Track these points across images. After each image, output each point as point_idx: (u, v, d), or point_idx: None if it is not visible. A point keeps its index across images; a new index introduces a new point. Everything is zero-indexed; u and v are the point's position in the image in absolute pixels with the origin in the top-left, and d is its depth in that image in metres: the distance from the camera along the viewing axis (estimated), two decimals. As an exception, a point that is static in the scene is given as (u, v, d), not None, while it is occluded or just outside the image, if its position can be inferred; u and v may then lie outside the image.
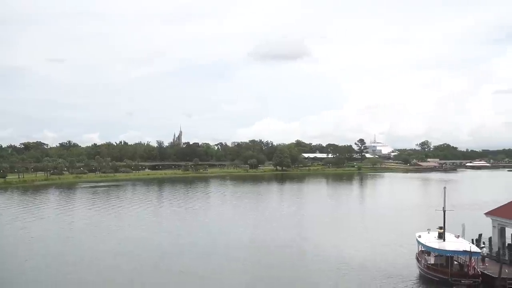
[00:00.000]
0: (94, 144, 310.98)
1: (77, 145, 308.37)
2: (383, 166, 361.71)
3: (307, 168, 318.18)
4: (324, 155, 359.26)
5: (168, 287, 52.19)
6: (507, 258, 54.27)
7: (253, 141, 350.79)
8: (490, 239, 59.82)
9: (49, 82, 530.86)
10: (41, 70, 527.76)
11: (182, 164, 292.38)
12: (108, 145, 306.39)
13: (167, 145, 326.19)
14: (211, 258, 63.79)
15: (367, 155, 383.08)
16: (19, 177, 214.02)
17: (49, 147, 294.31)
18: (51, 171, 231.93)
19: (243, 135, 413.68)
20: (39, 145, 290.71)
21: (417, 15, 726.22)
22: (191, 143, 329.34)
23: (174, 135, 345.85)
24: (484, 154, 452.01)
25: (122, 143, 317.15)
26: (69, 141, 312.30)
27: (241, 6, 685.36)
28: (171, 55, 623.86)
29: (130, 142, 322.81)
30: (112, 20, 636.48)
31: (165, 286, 52.27)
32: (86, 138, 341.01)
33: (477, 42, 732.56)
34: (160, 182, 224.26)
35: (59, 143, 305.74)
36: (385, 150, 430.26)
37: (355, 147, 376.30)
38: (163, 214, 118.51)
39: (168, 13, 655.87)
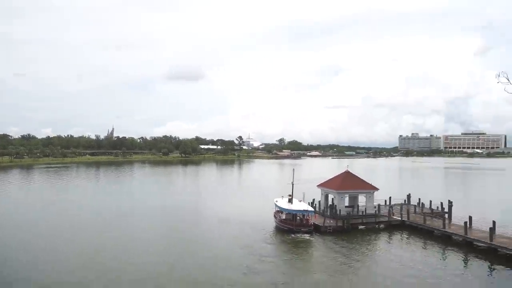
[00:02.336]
0: (48, 136, 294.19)
1: (35, 137, 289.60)
2: (254, 154, 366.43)
3: (203, 155, 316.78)
4: (215, 147, 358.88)
5: (94, 237, 50.08)
6: (328, 214, 57.70)
7: (165, 136, 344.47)
8: (319, 202, 62.98)
9: (16, 91, 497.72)
10: (8, 82, 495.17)
11: (114, 152, 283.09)
12: (59, 137, 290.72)
13: (103, 138, 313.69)
14: (132, 217, 63.13)
15: (244, 147, 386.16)
16: None
17: (13, 138, 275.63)
18: (14, 156, 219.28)
19: (158, 132, 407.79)
20: (5, 136, 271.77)
21: (277, 53, 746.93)
22: (120, 137, 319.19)
23: (108, 131, 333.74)
24: (318, 148, 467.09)
25: (69, 136, 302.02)
26: (29, 134, 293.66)
27: (157, 41, 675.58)
28: (107, 74, 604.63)
29: (75, 135, 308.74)
30: (65, 45, 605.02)
31: (93, 236, 50.45)
32: (42, 132, 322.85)
33: (314, 73, 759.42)
34: (97, 164, 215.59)
35: (21, 135, 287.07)
36: (256, 144, 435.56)
37: (236, 142, 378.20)
38: (99, 186, 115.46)
39: (107, 40, 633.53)
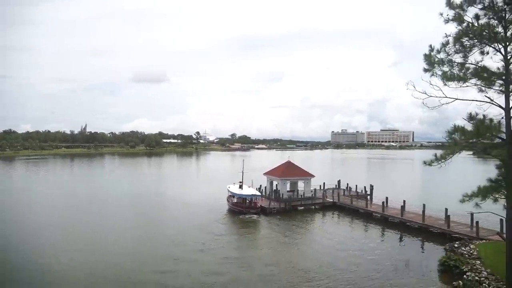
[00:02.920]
0: (27, 131, 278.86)
1: (16, 132, 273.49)
2: (210, 147, 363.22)
3: (165, 148, 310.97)
4: (175, 141, 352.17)
5: (64, 221, 48.48)
6: (273, 197, 58.54)
7: (132, 131, 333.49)
8: (265, 187, 63.74)
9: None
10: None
11: (87, 145, 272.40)
12: (37, 132, 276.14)
13: (77, 133, 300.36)
14: (100, 203, 61.25)
15: (201, 141, 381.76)
16: None
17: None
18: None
19: (126, 128, 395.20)
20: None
21: (230, 60, 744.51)
22: (92, 132, 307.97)
23: (82, 127, 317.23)
24: (264, 141, 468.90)
25: (47, 131, 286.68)
26: (10, 129, 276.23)
27: (125, 49, 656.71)
28: (81, 77, 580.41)
29: (52, 131, 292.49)
30: (44, 52, 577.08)
31: (63, 221, 48.78)
32: (22, 128, 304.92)
33: (261, 78, 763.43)
34: (72, 156, 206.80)
35: (3, 130, 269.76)
36: (211, 138, 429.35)
37: (194, 136, 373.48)
38: (71, 175, 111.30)
39: (80, 48, 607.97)
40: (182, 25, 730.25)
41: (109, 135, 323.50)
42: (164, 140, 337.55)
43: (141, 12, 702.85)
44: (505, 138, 16.21)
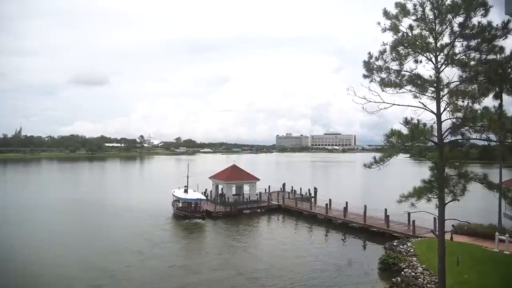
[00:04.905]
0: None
1: None
2: (155, 151, 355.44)
3: (108, 152, 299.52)
4: (118, 145, 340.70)
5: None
6: (218, 201, 58.49)
7: (72, 135, 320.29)
8: (211, 191, 63.50)
9: None
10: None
11: (22, 149, 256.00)
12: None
13: (10, 136, 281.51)
14: (36, 210, 58.00)
15: (145, 145, 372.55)
16: None
17: None
18: None
19: (66, 131, 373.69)
20: None
21: (174, 63, 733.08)
22: (28, 135, 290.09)
23: (16, 130, 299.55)
24: (209, 145, 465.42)
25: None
26: None
27: (60, 49, 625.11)
28: (14, 78, 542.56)
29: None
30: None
31: None
32: None
33: (206, 82, 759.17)
34: (5, 161, 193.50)
35: None
36: (156, 142, 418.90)
37: (138, 140, 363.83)
38: (5, 180, 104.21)
39: (14, 48, 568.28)
40: (123, 26, 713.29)
41: (46, 139, 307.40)
42: (107, 144, 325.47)
43: (79, 12, 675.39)
44: (436, 141, 17.40)
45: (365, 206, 46.58)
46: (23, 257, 34.24)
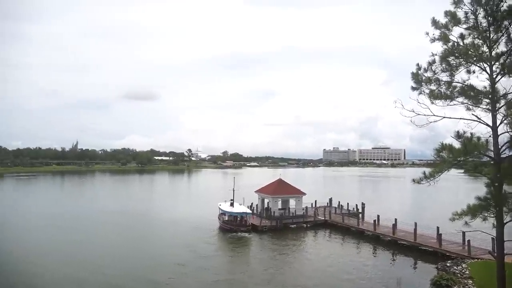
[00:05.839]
0: (18, 148, 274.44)
1: (6, 148, 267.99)
2: (202, 165, 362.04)
3: (157, 165, 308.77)
4: (167, 158, 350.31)
5: (49, 237, 47.90)
6: (264, 215, 58.14)
7: (123, 149, 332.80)
8: (257, 205, 63.38)
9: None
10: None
11: (78, 162, 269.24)
12: (28, 149, 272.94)
13: (68, 150, 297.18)
14: (89, 220, 60.91)
15: (193, 158, 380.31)
16: None
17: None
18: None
19: (118, 145, 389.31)
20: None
21: (220, 78, 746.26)
22: (84, 149, 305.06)
23: (73, 143, 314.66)
24: (256, 159, 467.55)
25: (38, 148, 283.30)
26: (0, 146, 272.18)
27: (114, 66, 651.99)
28: (68, 94, 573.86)
29: (43, 147, 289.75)
30: (31, 68, 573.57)
31: (49, 236, 48.15)
32: (13, 145, 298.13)
33: (253, 97, 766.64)
34: (62, 173, 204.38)
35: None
36: (203, 156, 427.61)
37: (186, 153, 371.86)
38: (61, 192, 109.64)
39: (67, 65, 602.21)
40: (171, 43, 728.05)
41: (100, 152, 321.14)
42: (156, 158, 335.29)
43: (131, 30, 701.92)
44: (493, 156, 16.26)
45: (416, 224, 44.29)
46: (72, 263, 35.76)
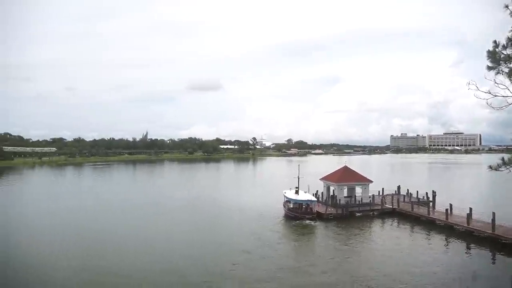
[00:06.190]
0: (94, 139, 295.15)
1: (84, 139, 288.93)
2: (266, 153, 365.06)
3: (222, 154, 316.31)
4: (232, 146, 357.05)
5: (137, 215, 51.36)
6: (330, 203, 57.43)
7: (190, 138, 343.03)
8: (322, 193, 62.79)
9: (67, 102, 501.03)
10: (61, 95, 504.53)
11: (148, 151, 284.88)
12: (103, 139, 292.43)
13: (138, 140, 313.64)
14: (159, 206, 63.77)
15: (257, 146, 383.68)
16: (49, 159, 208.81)
17: (66, 140, 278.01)
18: (68, 155, 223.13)
19: (184, 134, 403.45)
20: (61, 139, 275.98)
21: (282, 66, 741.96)
22: (153, 139, 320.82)
23: (143, 134, 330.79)
24: (320, 146, 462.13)
25: (111, 139, 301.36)
26: (79, 137, 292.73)
27: (179, 59, 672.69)
28: (138, 88, 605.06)
29: (116, 138, 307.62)
30: (104, 65, 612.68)
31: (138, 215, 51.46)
32: (89, 135, 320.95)
33: (316, 83, 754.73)
34: (134, 162, 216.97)
35: (73, 138, 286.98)
36: (267, 144, 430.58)
37: (250, 142, 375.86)
38: (135, 179, 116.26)
39: (137, 60, 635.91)
40: (233, 35, 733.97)
41: (168, 141, 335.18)
42: (221, 146, 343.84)
43: (195, 24, 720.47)
44: None
45: (493, 214, 41.17)
46: (141, 248, 37.97)
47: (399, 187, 67.26)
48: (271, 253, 36.60)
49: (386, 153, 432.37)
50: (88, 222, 51.42)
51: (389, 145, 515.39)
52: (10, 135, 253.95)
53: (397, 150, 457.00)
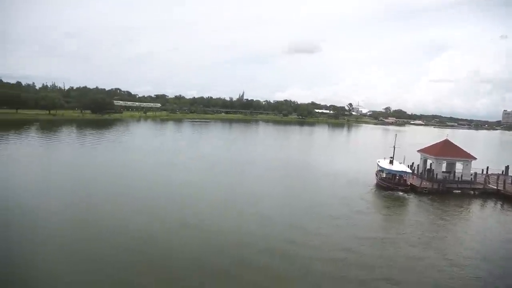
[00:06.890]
0: (193, 97, 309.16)
1: (184, 97, 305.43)
2: (362, 120, 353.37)
3: (317, 118, 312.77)
4: (327, 111, 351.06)
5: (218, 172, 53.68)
6: (425, 176, 54.63)
7: (285, 100, 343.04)
8: (418, 165, 59.89)
9: (170, 62, 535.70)
10: (164, 55, 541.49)
11: (244, 111, 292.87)
12: (201, 98, 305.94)
13: (235, 100, 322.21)
14: (252, 165, 66.21)
15: (353, 113, 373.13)
16: (153, 113, 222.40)
17: (168, 97, 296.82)
18: (169, 111, 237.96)
19: (280, 97, 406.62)
20: (163, 96, 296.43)
21: (383, 30, 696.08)
22: (249, 99, 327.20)
23: (239, 94, 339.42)
24: (421, 117, 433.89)
25: (209, 97, 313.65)
26: (180, 94, 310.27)
27: (278, 21, 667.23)
28: (236, 49, 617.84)
29: (214, 97, 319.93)
30: (205, 27, 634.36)
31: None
32: (189, 94, 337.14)
33: (421, 51, 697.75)
34: (230, 121, 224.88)
35: (175, 96, 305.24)
36: (364, 111, 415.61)
37: (346, 108, 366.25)
38: (231, 137, 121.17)
39: (235, 22, 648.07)
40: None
41: (263, 103, 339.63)
42: (316, 110, 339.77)
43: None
44: None
45: None
46: (234, 205, 40.04)
47: (507, 167, 60.78)
48: (359, 220, 36.16)
49: (496, 129, 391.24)
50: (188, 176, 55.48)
51: (500, 121, 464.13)
52: (120, 90, 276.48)
53: (509, 127, 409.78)
